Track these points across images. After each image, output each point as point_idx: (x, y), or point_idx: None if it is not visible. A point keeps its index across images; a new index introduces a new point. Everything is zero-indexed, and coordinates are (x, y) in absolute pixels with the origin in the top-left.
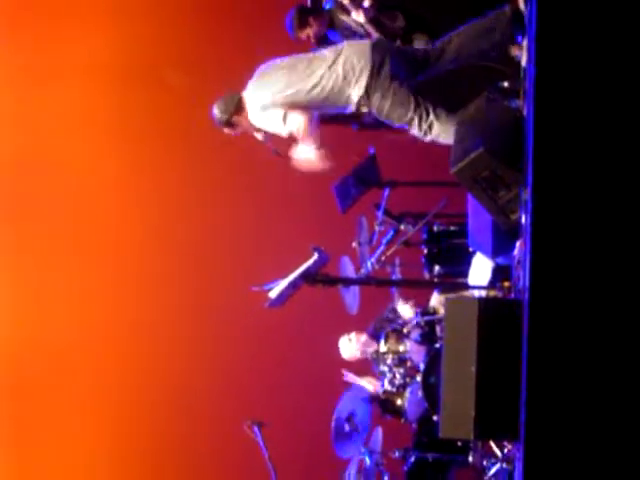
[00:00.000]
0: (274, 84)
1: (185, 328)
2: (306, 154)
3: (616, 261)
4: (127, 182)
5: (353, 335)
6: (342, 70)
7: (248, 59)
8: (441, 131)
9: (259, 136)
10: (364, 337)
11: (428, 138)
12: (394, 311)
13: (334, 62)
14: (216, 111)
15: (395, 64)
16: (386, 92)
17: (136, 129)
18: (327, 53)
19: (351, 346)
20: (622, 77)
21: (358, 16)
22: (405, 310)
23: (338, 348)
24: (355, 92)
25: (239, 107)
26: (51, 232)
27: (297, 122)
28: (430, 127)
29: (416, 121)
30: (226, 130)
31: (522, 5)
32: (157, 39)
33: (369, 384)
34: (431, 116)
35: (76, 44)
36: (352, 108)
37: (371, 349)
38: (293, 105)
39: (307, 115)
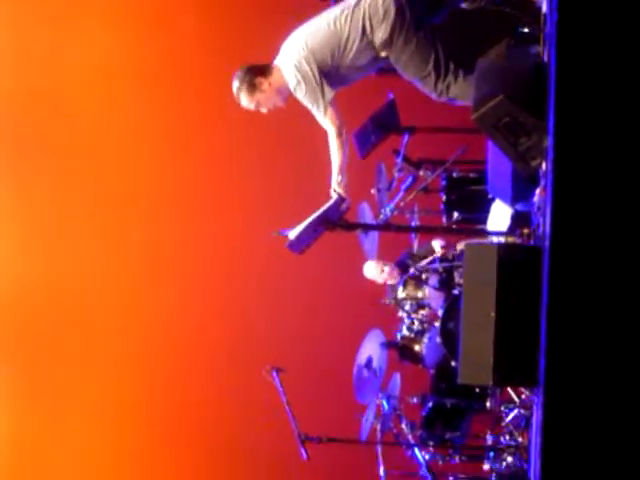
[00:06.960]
0: (300, 44)
1: (204, 272)
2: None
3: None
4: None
5: (381, 262)
6: (368, 10)
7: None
8: (459, 93)
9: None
10: (391, 265)
11: (443, 98)
12: (427, 249)
13: (356, 5)
14: (239, 73)
15: (416, 3)
16: (409, 41)
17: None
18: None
19: (376, 270)
20: None
21: None
22: (437, 246)
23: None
24: (378, 35)
25: (265, 70)
26: (67, 172)
27: (335, 122)
28: (448, 87)
29: (433, 78)
30: (245, 98)
31: None
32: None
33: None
34: (450, 77)
35: None
36: (373, 54)
37: (393, 278)
38: (323, 64)
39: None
